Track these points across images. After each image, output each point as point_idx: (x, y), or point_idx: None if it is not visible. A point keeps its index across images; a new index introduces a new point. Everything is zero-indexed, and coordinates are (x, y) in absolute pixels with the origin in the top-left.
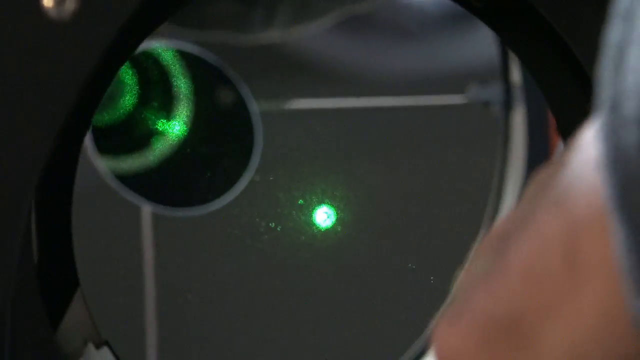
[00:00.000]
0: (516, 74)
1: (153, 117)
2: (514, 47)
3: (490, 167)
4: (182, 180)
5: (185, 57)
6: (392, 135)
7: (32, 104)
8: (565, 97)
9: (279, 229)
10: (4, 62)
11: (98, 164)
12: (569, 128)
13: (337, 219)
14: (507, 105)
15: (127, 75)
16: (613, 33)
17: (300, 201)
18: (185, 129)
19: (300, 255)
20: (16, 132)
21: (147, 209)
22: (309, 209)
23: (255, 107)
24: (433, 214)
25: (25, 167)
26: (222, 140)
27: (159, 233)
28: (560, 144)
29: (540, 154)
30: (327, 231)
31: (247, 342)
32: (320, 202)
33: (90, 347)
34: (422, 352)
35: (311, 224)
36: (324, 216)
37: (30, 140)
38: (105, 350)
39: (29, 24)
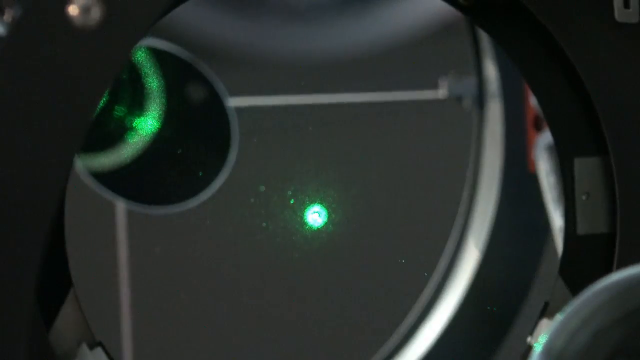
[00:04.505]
0: (491, 69)
1: (125, 114)
2: (502, 43)
3: (465, 160)
4: (156, 178)
5: (159, 54)
6: (373, 131)
7: (59, 111)
8: (554, 92)
9: (270, 228)
10: (31, 70)
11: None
12: (556, 122)
13: (328, 219)
14: (481, 100)
15: None
16: None
17: (292, 201)
18: (157, 125)
19: (292, 255)
20: (43, 139)
21: (121, 206)
22: (301, 209)
23: (230, 104)
24: (416, 210)
25: (53, 171)
26: (197, 138)
27: (134, 230)
28: (537, 138)
29: (517, 148)
30: (319, 231)
31: (233, 341)
32: (312, 202)
33: (84, 347)
34: (402, 343)
35: (303, 223)
36: (315, 216)
37: (57, 147)
38: (98, 351)
39: (55, 32)
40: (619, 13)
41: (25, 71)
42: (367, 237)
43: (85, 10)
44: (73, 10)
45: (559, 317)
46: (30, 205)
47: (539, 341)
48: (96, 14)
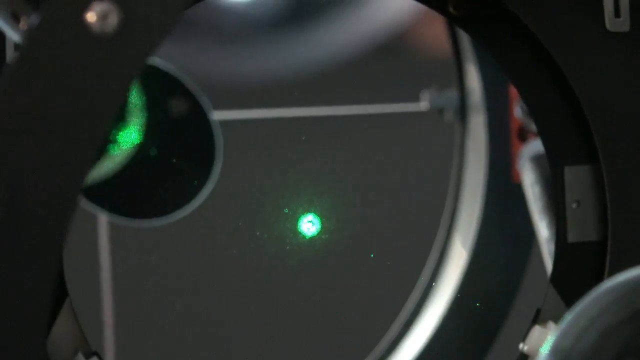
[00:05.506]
0: (475, 80)
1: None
2: (493, 53)
3: (448, 172)
4: (140, 191)
5: (144, 68)
6: (356, 144)
7: (76, 118)
8: (545, 100)
9: (264, 237)
10: (49, 77)
11: None
12: (547, 130)
13: (322, 228)
14: (463, 111)
15: None
16: None
17: (286, 210)
18: (139, 138)
19: (286, 263)
20: (61, 147)
21: (103, 219)
22: (295, 218)
23: (214, 117)
24: (403, 219)
25: (72, 177)
26: (181, 151)
27: (116, 243)
28: (522, 148)
29: (501, 159)
30: (312, 239)
31: (225, 348)
32: (306, 211)
33: (80, 357)
34: (391, 349)
35: (296, 232)
36: (309, 225)
37: (75, 153)
38: None
39: (73, 39)
40: (610, 22)
41: (41, 78)
42: (360, 245)
43: (103, 17)
44: (91, 17)
45: (566, 317)
46: (49, 212)
47: (548, 341)
48: (114, 20)
